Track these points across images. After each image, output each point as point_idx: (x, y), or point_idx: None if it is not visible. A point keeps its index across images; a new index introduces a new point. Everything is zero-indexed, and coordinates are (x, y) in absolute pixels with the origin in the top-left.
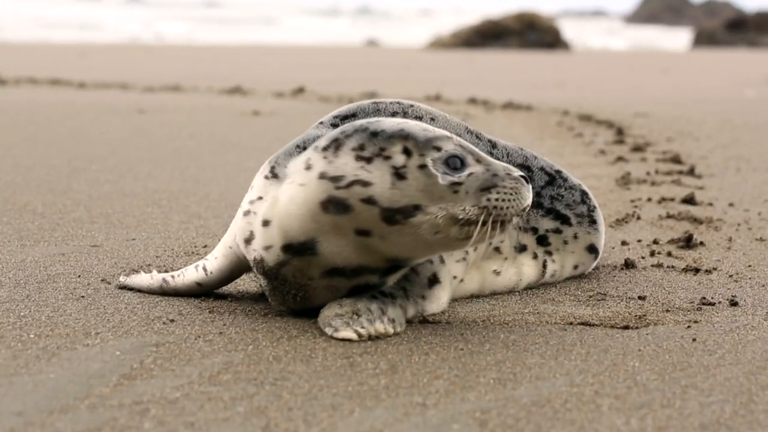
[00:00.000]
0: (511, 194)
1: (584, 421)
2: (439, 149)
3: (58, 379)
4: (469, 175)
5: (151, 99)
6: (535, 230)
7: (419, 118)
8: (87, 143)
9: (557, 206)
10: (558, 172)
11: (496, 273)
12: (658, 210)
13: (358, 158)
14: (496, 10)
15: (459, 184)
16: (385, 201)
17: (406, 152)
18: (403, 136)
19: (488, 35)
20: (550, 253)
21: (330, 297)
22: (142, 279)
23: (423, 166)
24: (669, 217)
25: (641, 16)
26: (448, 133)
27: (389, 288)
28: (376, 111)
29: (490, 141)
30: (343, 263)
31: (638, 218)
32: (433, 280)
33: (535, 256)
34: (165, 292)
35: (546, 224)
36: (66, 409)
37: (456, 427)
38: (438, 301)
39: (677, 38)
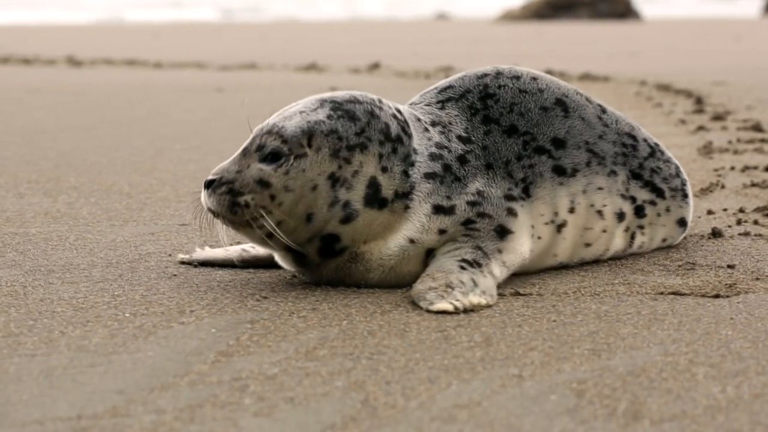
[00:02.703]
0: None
1: (680, 389)
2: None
3: (156, 357)
4: None
5: (228, 77)
6: (633, 199)
7: (517, 77)
8: (168, 123)
9: (655, 179)
10: (656, 144)
11: (587, 245)
12: (742, 178)
13: None
14: None
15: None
16: None
17: None
18: None
19: (558, 6)
20: (641, 227)
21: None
22: (216, 252)
23: None
24: (753, 185)
25: None
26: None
27: (469, 252)
28: (463, 76)
29: (600, 105)
30: None
31: (723, 187)
32: (502, 232)
33: (627, 228)
34: (243, 260)
35: (643, 195)
36: (166, 386)
37: (554, 398)
38: (516, 251)
39: (748, 5)
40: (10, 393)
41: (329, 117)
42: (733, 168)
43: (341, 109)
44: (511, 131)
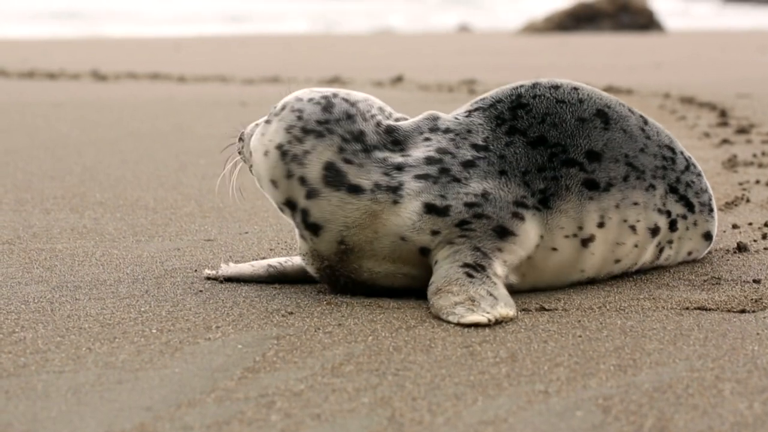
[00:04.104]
0: None
1: (707, 406)
2: None
3: (183, 373)
4: None
5: (252, 91)
6: (669, 213)
7: (556, 87)
8: (191, 138)
9: (688, 193)
10: (690, 157)
11: (617, 261)
12: (767, 192)
13: None
14: None
15: None
16: None
17: None
18: None
19: (581, 18)
20: (670, 241)
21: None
22: (242, 268)
23: None
24: None
25: None
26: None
27: (469, 255)
28: (501, 87)
29: (642, 116)
30: None
31: (747, 201)
32: (503, 232)
33: (659, 243)
34: (270, 275)
35: (678, 209)
36: (193, 403)
37: (579, 414)
38: (515, 253)
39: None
40: (38, 410)
41: (310, 100)
42: (758, 181)
43: (327, 100)
44: (538, 142)
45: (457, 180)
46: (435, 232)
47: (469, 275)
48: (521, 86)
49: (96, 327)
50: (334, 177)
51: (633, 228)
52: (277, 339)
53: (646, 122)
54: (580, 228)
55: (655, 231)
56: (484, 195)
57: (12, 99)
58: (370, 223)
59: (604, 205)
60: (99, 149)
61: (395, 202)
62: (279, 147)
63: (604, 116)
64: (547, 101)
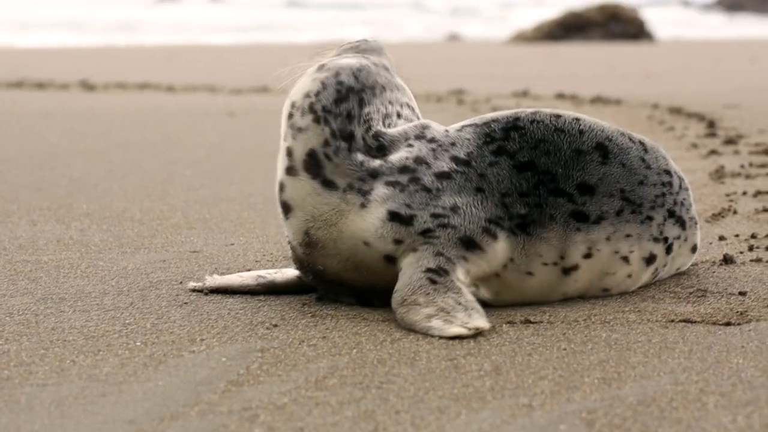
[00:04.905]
0: None
1: (691, 419)
2: None
3: (167, 386)
4: None
5: (240, 101)
6: (666, 240)
7: (557, 116)
8: (180, 148)
9: (682, 212)
10: (680, 174)
11: (605, 290)
12: (754, 204)
13: None
14: (578, 2)
15: None
16: None
17: None
18: None
19: (571, 28)
20: (665, 264)
21: None
22: (231, 279)
23: None
24: (765, 210)
25: (725, 4)
26: None
27: (431, 260)
28: (505, 111)
29: (641, 143)
30: None
31: (734, 212)
32: (469, 243)
33: (656, 269)
34: (260, 285)
35: (674, 232)
36: (176, 416)
37: (563, 428)
38: (480, 267)
39: (763, 26)
40: (21, 423)
41: (339, 82)
42: (745, 193)
43: (345, 91)
44: (526, 167)
45: (428, 190)
46: (398, 241)
47: (432, 281)
48: (523, 111)
49: (80, 339)
50: (312, 165)
51: (626, 258)
52: (262, 352)
53: (645, 149)
54: (562, 257)
55: (650, 259)
56: (453, 208)
57: (1, 109)
58: (336, 221)
59: (593, 237)
60: (87, 160)
61: (362, 206)
62: (292, 105)
63: (603, 150)
64: (545, 128)
